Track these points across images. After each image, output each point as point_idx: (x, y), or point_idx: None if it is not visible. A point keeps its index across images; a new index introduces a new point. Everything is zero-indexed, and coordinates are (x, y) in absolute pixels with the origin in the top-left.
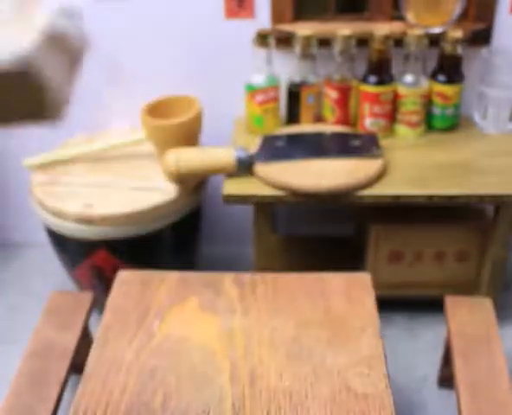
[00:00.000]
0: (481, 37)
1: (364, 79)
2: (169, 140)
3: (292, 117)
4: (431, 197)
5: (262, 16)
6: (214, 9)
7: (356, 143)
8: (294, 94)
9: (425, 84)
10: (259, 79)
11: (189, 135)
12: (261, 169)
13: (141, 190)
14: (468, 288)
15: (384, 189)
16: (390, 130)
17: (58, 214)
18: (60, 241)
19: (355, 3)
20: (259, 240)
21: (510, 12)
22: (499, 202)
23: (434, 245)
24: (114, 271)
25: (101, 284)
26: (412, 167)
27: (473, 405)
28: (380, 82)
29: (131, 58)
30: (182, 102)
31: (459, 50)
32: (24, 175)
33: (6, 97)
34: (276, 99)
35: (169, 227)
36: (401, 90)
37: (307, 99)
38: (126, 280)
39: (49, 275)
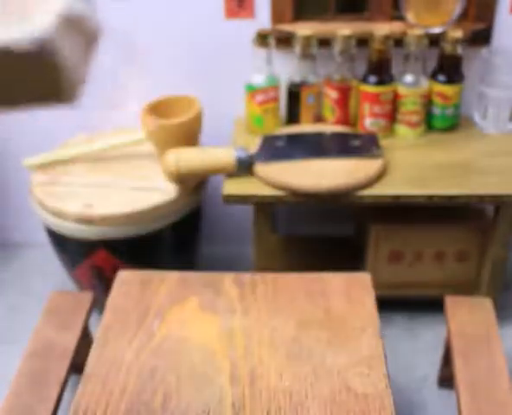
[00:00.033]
0: (481, 37)
1: (364, 79)
2: (169, 140)
3: (292, 117)
4: (431, 197)
5: (262, 16)
6: (214, 9)
7: (356, 143)
8: (294, 94)
9: (425, 84)
10: (259, 79)
11: (189, 135)
12: (261, 169)
13: (141, 190)
14: (468, 288)
15: (384, 189)
16: (390, 130)
17: (58, 214)
18: (60, 241)
19: (355, 3)
20: (259, 240)
21: (510, 12)
22: (499, 202)
23: (434, 245)
24: (114, 271)
25: (101, 284)
26: (412, 167)
27: (473, 405)
28: (380, 82)
29: (130, 58)
30: (182, 102)
31: (459, 50)
32: (24, 175)
33: (24, 78)
34: (276, 99)
35: (169, 227)
36: (401, 90)
37: (307, 99)
38: (126, 280)
39: (49, 275)
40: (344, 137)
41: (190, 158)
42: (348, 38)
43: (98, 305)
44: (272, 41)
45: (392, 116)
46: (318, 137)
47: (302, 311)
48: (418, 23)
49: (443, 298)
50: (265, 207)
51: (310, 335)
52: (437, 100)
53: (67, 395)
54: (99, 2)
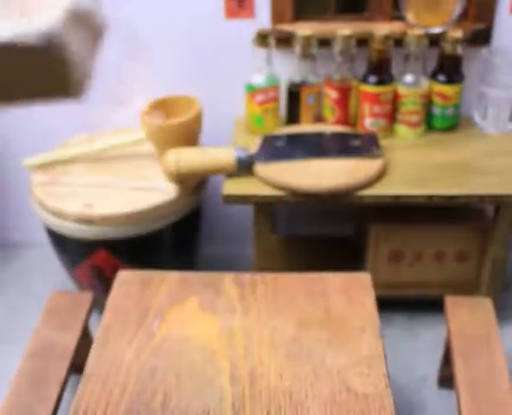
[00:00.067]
0: (481, 37)
1: (364, 79)
2: (169, 140)
3: (292, 117)
4: (431, 197)
5: (262, 16)
6: (214, 9)
7: (356, 143)
8: (294, 94)
9: (425, 84)
10: (259, 79)
11: (189, 135)
12: (261, 169)
13: (141, 190)
14: (468, 288)
15: (384, 189)
16: (390, 130)
17: (58, 214)
18: (60, 241)
19: (355, 3)
20: (259, 240)
21: (510, 12)
22: (499, 202)
23: (434, 245)
24: (114, 271)
25: (101, 284)
26: (412, 167)
27: (473, 405)
28: (380, 82)
29: (130, 57)
30: (182, 102)
31: (459, 50)
32: (24, 175)
33: (31, 73)
34: (276, 99)
35: (169, 227)
36: (401, 90)
37: (307, 99)
38: (126, 280)
39: (49, 275)
40: (344, 137)
41: (190, 158)
42: (348, 38)
43: (98, 305)
44: (272, 41)
45: (392, 116)
46: (318, 137)
47: (302, 311)
48: (418, 23)
49: (443, 298)
50: (265, 207)
51: (310, 335)
52: (437, 100)
53: (67, 395)
54: None
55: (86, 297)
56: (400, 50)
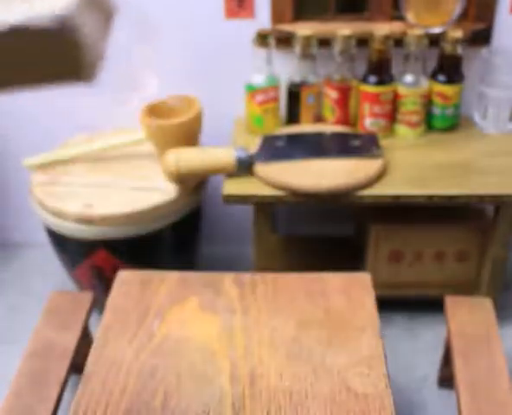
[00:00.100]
0: (481, 37)
1: (364, 79)
2: (169, 140)
3: (292, 117)
4: (431, 197)
5: (262, 16)
6: (214, 9)
7: (356, 143)
8: (294, 94)
9: (425, 84)
10: (259, 79)
11: (189, 135)
12: (261, 169)
13: (141, 190)
14: (468, 288)
15: (384, 189)
16: (390, 130)
17: (58, 214)
18: (60, 241)
19: (355, 3)
20: (259, 240)
21: (510, 12)
22: (499, 202)
23: (434, 245)
24: (114, 271)
25: (101, 284)
26: (412, 167)
27: (473, 405)
28: (380, 82)
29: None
30: (182, 102)
31: (459, 50)
32: (24, 175)
33: (45, 56)
34: (276, 99)
35: (169, 227)
36: (401, 90)
37: (307, 99)
38: (126, 280)
39: (49, 275)
40: (344, 137)
41: (190, 158)
42: (348, 38)
43: (98, 305)
44: (272, 41)
45: (392, 116)
46: (318, 137)
47: (302, 311)
48: (418, 23)
49: (443, 298)
50: (265, 207)
51: (310, 334)
52: (437, 100)
53: (67, 395)
54: None
55: (86, 297)
56: (400, 50)
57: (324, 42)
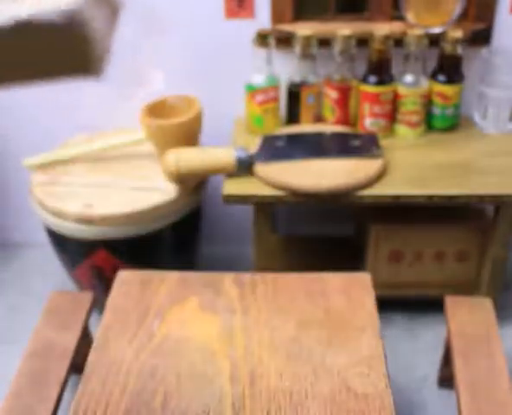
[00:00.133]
0: (481, 37)
1: (364, 79)
2: (169, 140)
3: (292, 117)
4: (431, 197)
5: (262, 16)
6: (214, 9)
7: (356, 143)
8: (294, 94)
9: (425, 84)
10: (259, 79)
11: (189, 135)
12: (261, 169)
13: (141, 190)
14: (468, 288)
15: (384, 189)
16: (390, 130)
17: (58, 214)
18: (60, 241)
19: (355, 3)
20: (259, 240)
21: (510, 12)
22: (499, 202)
23: (434, 245)
24: (114, 271)
25: (101, 284)
26: (412, 167)
27: (473, 405)
28: (380, 82)
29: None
30: (182, 102)
31: (459, 50)
32: (24, 175)
33: (53, 50)
34: (276, 99)
35: (169, 227)
36: (401, 90)
37: (307, 99)
38: (126, 280)
39: (49, 275)
40: (344, 137)
41: (190, 158)
42: (348, 38)
43: (98, 305)
44: (272, 41)
45: (392, 116)
46: (318, 137)
47: (302, 311)
48: (418, 23)
49: (443, 298)
50: (265, 207)
51: (310, 335)
52: (437, 100)
53: (67, 395)
54: None
55: (86, 297)
56: (400, 50)
57: (324, 42)
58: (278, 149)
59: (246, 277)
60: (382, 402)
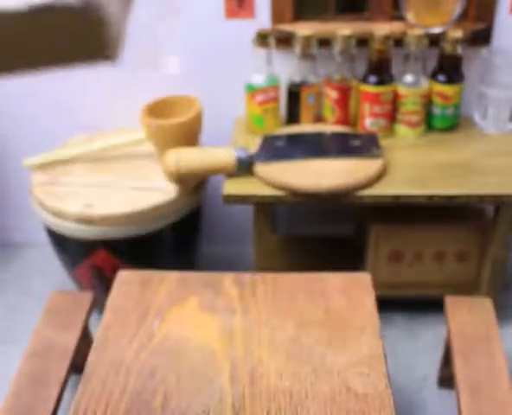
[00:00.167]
0: (481, 37)
1: (364, 79)
2: (169, 140)
3: (292, 117)
4: (431, 197)
5: (262, 16)
6: (214, 9)
7: (356, 143)
8: (294, 94)
9: (425, 84)
10: (259, 79)
11: (189, 135)
12: (261, 169)
13: (141, 190)
14: (468, 288)
15: (384, 189)
16: (390, 130)
17: (58, 214)
18: (60, 241)
19: (355, 3)
20: (259, 240)
21: (510, 12)
22: (499, 202)
23: (434, 245)
24: (114, 271)
25: (101, 284)
26: (412, 167)
27: (473, 405)
28: (380, 82)
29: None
30: (182, 102)
31: (459, 50)
32: (24, 175)
33: (69, 35)
34: (276, 99)
35: (169, 227)
36: (401, 90)
37: (307, 99)
38: (126, 280)
39: (49, 275)
40: (344, 137)
41: (190, 158)
42: (348, 38)
43: (98, 305)
44: (272, 41)
45: (392, 116)
46: (318, 137)
47: (302, 311)
48: (418, 23)
49: (443, 298)
50: (265, 207)
51: (310, 335)
52: (437, 100)
53: (67, 395)
54: None
55: (86, 297)
56: (400, 50)
57: (324, 42)
58: (278, 149)
59: (246, 277)
60: (382, 402)
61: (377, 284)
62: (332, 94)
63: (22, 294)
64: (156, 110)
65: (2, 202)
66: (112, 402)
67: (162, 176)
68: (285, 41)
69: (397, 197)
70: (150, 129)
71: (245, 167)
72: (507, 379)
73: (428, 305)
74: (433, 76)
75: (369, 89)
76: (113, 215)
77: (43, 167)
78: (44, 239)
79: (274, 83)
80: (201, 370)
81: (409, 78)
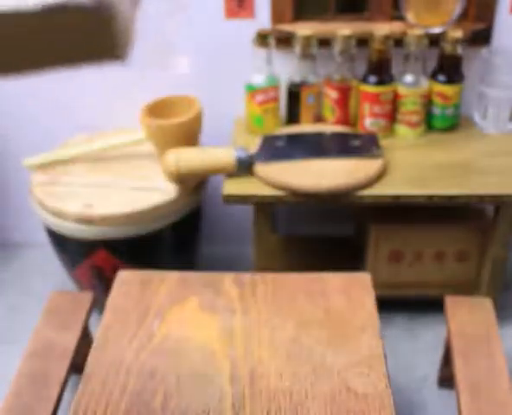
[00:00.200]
0: (481, 37)
1: (364, 79)
2: (169, 140)
3: (292, 117)
4: (431, 197)
5: (262, 16)
6: (214, 9)
7: (356, 143)
8: (294, 94)
9: (425, 84)
10: (259, 79)
11: (189, 135)
12: (261, 169)
13: (141, 190)
14: (468, 288)
15: (384, 189)
16: (390, 130)
17: (58, 214)
18: (60, 241)
19: (355, 3)
20: (259, 240)
21: (510, 12)
22: (499, 202)
23: (434, 245)
24: (114, 271)
25: (101, 284)
26: (412, 167)
27: (473, 405)
28: (380, 82)
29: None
30: (182, 102)
31: (459, 50)
32: (24, 175)
33: (81, 33)
34: (276, 99)
35: (169, 227)
36: (401, 90)
37: (307, 99)
38: (126, 280)
39: (49, 275)
40: (344, 137)
41: (190, 158)
42: (348, 38)
43: (98, 305)
44: (272, 41)
45: (392, 116)
46: (318, 137)
47: (302, 311)
48: (418, 23)
49: (443, 298)
50: (265, 207)
51: (310, 334)
52: (437, 100)
53: (67, 395)
54: None
55: (86, 297)
56: (400, 50)
57: (324, 42)
58: (278, 149)
59: (246, 277)
60: (382, 402)
61: (377, 284)
62: (332, 94)
63: (22, 294)
64: (156, 110)
65: (2, 202)
66: (111, 402)
67: (162, 176)
68: (285, 41)
69: (397, 197)
70: (150, 129)
71: (245, 167)
72: (507, 379)
73: (428, 305)
74: (433, 76)
75: (369, 89)
76: (113, 215)
77: (43, 167)
78: (44, 239)
79: (274, 83)
80: (201, 370)
81: (409, 78)
